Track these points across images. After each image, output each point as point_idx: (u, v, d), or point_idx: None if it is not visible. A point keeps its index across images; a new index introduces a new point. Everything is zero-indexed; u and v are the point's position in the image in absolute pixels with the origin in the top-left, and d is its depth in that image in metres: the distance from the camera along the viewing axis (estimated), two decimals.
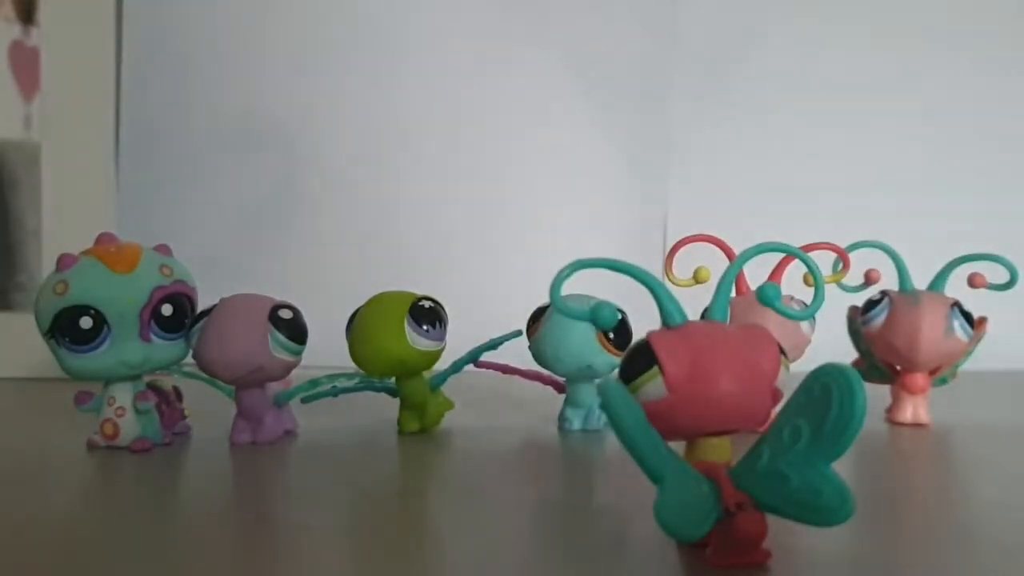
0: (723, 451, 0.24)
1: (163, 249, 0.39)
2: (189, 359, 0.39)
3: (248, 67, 0.72)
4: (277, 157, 0.72)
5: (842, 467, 0.21)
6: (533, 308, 0.44)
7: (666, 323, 0.24)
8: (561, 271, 0.24)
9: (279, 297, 0.39)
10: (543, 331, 0.42)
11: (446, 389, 0.44)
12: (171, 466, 0.36)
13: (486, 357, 0.45)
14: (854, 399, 0.20)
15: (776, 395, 0.24)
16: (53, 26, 0.66)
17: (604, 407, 0.22)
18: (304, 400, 0.43)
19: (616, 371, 0.24)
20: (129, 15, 0.70)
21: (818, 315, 0.31)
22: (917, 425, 0.45)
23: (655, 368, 0.23)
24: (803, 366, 0.27)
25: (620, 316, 0.39)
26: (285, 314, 0.38)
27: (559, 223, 0.72)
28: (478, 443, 0.41)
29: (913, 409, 0.46)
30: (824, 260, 0.41)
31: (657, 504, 0.21)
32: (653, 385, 0.23)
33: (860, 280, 0.47)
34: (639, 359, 0.23)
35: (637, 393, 0.23)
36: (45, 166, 0.65)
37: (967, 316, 0.44)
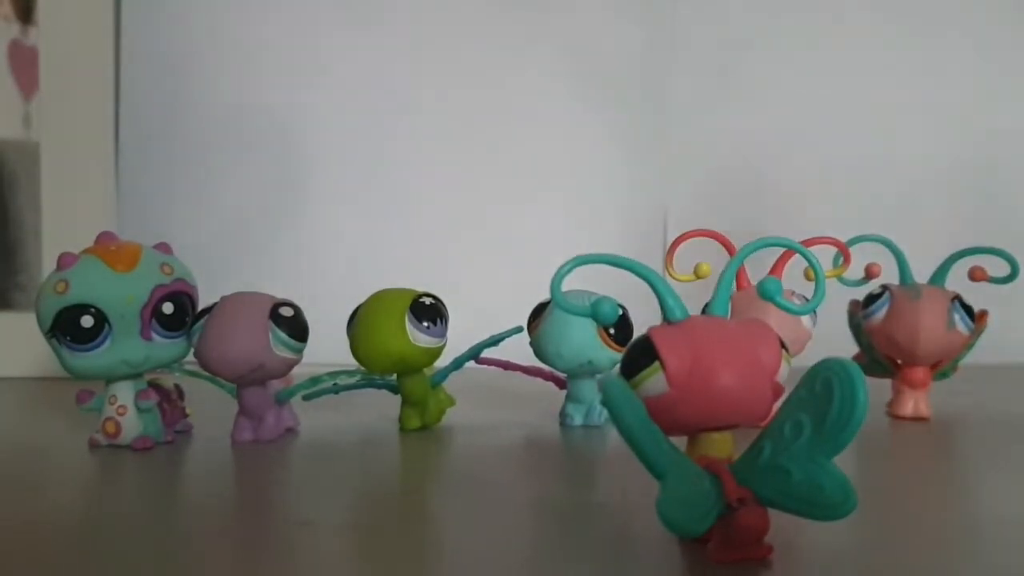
0: (725, 446, 0.24)
1: (163, 248, 0.39)
2: (190, 357, 0.39)
3: (247, 66, 0.72)
4: (277, 155, 0.72)
5: (843, 461, 0.21)
6: (534, 304, 0.44)
7: (667, 318, 0.24)
8: (561, 267, 0.24)
9: (280, 295, 0.39)
10: (544, 327, 0.42)
11: (447, 386, 0.44)
12: (173, 464, 0.36)
13: (487, 353, 0.45)
14: (856, 394, 0.20)
15: (777, 390, 0.24)
16: (52, 25, 0.66)
17: (605, 402, 0.22)
18: (305, 398, 0.43)
19: (617, 367, 0.24)
20: (127, 14, 0.70)
21: (819, 309, 0.31)
22: (918, 419, 0.45)
23: (656, 363, 0.23)
24: (804, 361, 0.27)
25: (621, 312, 0.39)
26: (286, 312, 0.38)
27: (559, 219, 0.72)
28: (479, 439, 0.41)
29: (914, 403, 0.46)
30: (825, 254, 0.41)
31: (659, 500, 0.21)
32: (654, 380, 0.23)
33: (861, 274, 0.47)
34: (640, 354, 0.23)
35: (639, 388, 0.23)
36: (45, 165, 0.65)
37: (968, 310, 0.44)
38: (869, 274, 0.47)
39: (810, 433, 0.21)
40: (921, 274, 0.46)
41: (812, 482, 0.21)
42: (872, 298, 0.46)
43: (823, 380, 0.21)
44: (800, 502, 0.21)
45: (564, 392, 0.45)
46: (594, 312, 0.24)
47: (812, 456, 0.21)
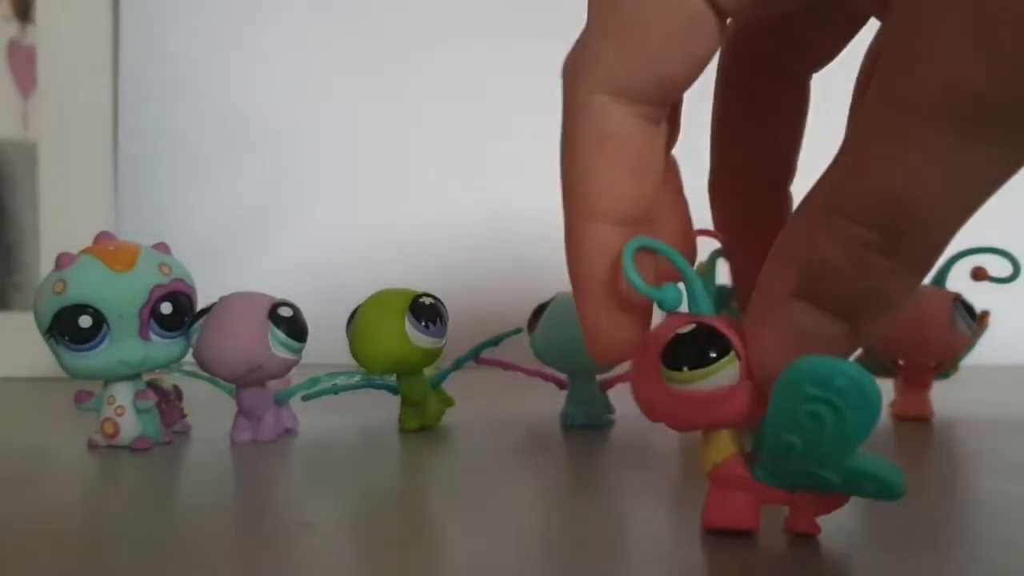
0: (736, 441, 0.24)
1: (162, 247, 0.39)
2: (189, 358, 0.39)
3: (246, 64, 0.72)
4: (276, 155, 0.72)
5: None
6: (534, 304, 0.44)
7: (699, 313, 0.24)
8: (629, 244, 0.23)
9: (279, 295, 0.39)
10: (544, 327, 0.42)
11: (447, 386, 0.44)
12: (172, 465, 0.36)
13: (487, 354, 0.44)
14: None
15: None
16: (50, 24, 0.66)
17: (851, 402, 0.21)
18: (305, 398, 0.43)
19: (668, 357, 0.23)
20: (127, 14, 0.70)
21: None
22: (920, 419, 0.45)
23: (732, 354, 0.22)
24: None
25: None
26: (285, 312, 0.38)
27: (560, 218, 0.72)
28: (479, 440, 0.41)
29: (916, 403, 0.46)
30: None
31: (894, 478, 0.22)
32: (728, 371, 0.22)
33: None
34: (712, 345, 0.23)
35: (708, 379, 0.22)
36: (43, 165, 0.65)
37: (970, 310, 0.44)
38: None
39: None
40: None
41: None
42: None
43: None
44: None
45: (564, 392, 0.45)
46: (661, 298, 0.23)
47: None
